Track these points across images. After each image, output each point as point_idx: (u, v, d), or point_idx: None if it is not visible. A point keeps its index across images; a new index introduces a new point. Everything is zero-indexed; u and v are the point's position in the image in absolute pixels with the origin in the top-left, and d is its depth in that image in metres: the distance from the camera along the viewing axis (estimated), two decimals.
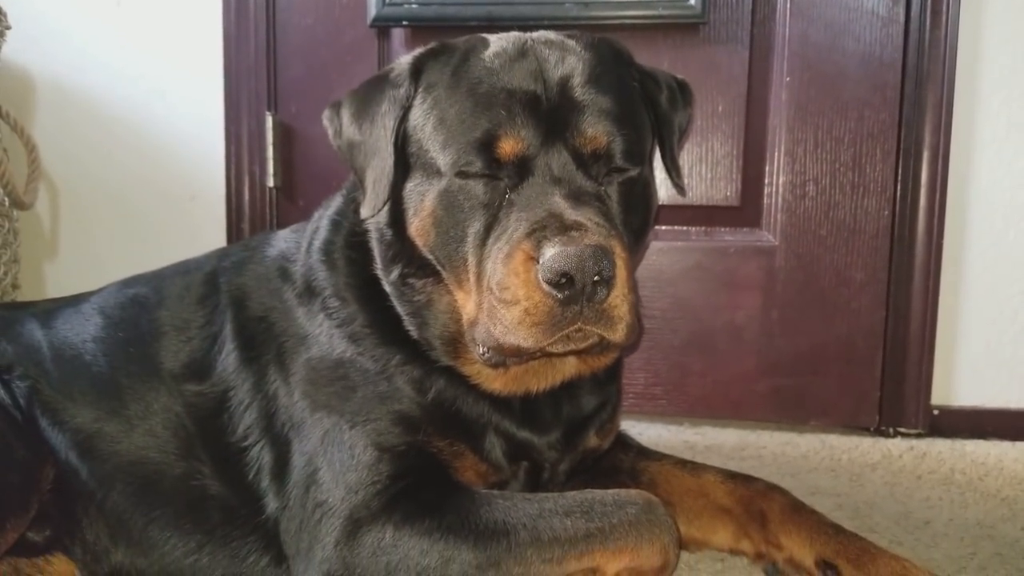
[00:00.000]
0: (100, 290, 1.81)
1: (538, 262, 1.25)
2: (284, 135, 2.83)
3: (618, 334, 1.30)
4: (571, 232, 1.26)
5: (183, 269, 1.77)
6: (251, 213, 2.85)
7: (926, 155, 2.50)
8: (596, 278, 1.24)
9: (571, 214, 1.30)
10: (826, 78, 2.53)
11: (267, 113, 2.80)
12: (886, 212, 2.55)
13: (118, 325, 1.69)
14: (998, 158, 2.53)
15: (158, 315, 1.67)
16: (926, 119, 2.49)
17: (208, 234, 2.84)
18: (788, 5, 2.52)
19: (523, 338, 1.28)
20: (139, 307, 1.70)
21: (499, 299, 1.30)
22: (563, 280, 1.24)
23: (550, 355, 1.42)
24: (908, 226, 2.54)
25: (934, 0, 2.44)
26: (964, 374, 2.60)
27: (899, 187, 2.54)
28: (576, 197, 1.34)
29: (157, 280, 1.76)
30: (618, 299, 1.29)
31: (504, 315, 1.29)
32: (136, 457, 1.55)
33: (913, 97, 2.50)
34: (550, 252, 1.24)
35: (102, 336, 1.67)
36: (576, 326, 1.28)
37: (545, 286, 1.25)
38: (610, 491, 1.42)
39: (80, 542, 1.53)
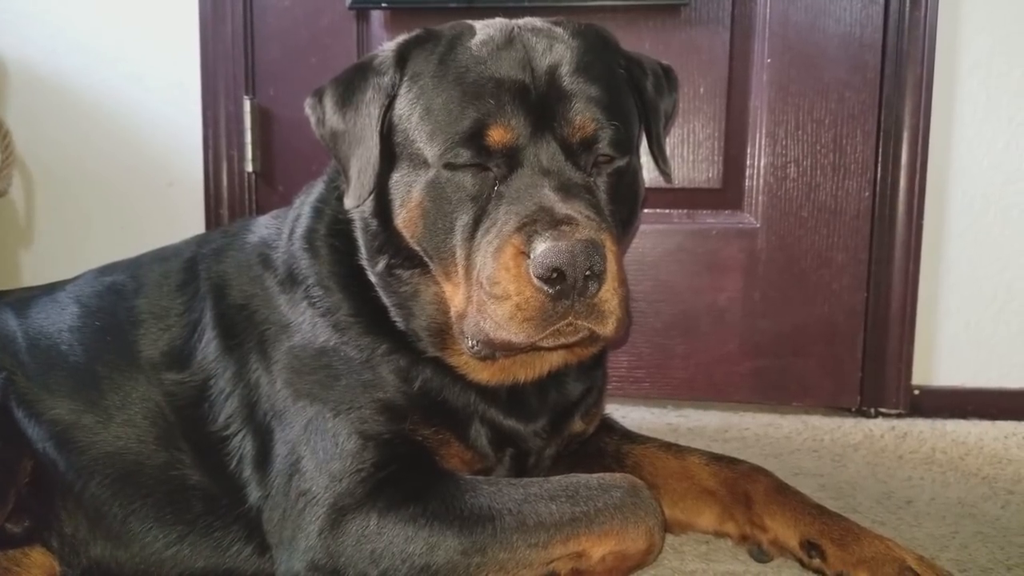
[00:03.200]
0: (76, 278, 1.79)
1: (529, 257, 1.25)
2: (262, 119, 2.79)
3: (608, 328, 1.31)
4: (562, 226, 1.25)
5: (161, 256, 1.75)
6: (230, 199, 2.81)
7: (906, 136, 2.50)
8: (587, 273, 1.24)
9: (561, 207, 1.29)
10: (807, 59, 2.53)
11: (245, 97, 2.76)
12: (867, 193, 2.56)
13: (95, 314, 1.66)
14: (977, 138, 2.54)
15: (136, 303, 1.64)
16: (906, 100, 2.49)
17: (186, 220, 2.81)
18: None
19: (514, 333, 1.28)
20: (116, 295, 1.68)
21: (489, 294, 1.29)
22: (554, 275, 1.23)
23: (540, 349, 1.41)
24: (888, 207, 2.54)
25: None
26: (944, 354, 2.62)
27: (879, 168, 2.54)
28: (566, 189, 1.33)
29: (135, 268, 1.73)
30: (609, 293, 1.28)
31: (494, 310, 1.28)
32: (115, 448, 1.53)
33: (893, 78, 2.50)
34: (541, 247, 1.23)
35: (79, 325, 1.65)
36: (567, 321, 1.28)
37: (536, 281, 1.24)
38: (595, 475, 1.42)
39: (58, 534, 1.51)
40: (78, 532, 1.51)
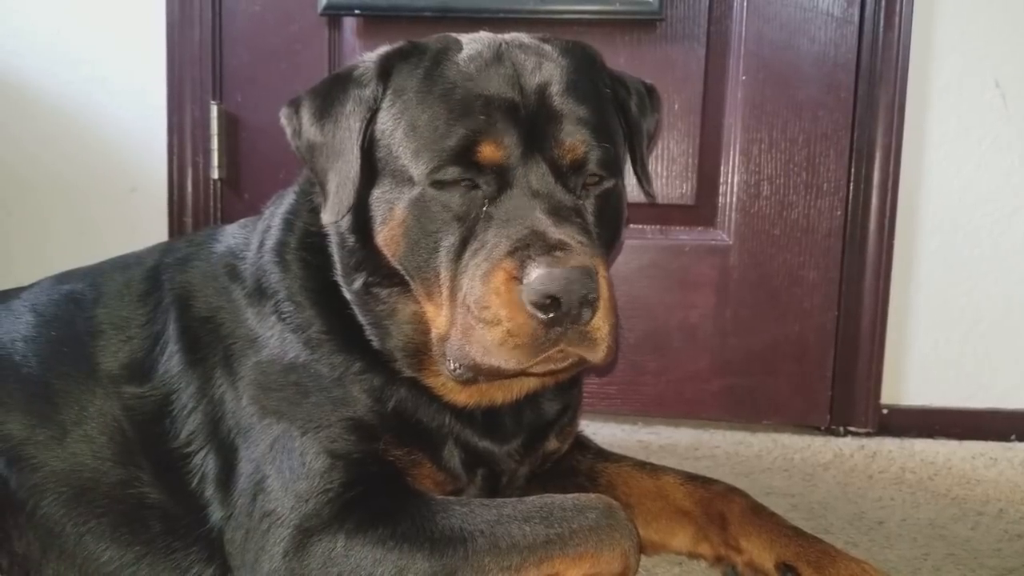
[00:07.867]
0: (32, 286, 1.72)
1: (522, 282, 1.22)
2: (229, 125, 2.73)
3: (599, 355, 1.29)
4: (556, 252, 1.23)
5: (123, 264, 1.69)
6: (194, 206, 2.75)
7: (878, 156, 2.52)
8: (581, 300, 1.22)
9: (554, 232, 1.27)
10: (781, 78, 2.54)
11: (212, 102, 2.71)
12: (838, 212, 2.57)
13: (51, 323, 1.60)
14: (948, 159, 2.57)
15: (95, 313, 1.58)
16: (879, 120, 2.51)
17: (149, 228, 2.73)
18: (744, 3, 2.53)
19: (503, 359, 1.25)
20: (74, 304, 1.62)
21: (477, 318, 1.26)
22: (549, 302, 1.21)
23: (527, 375, 1.38)
24: (860, 226, 2.56)
25: (888, 1, 2.47)
26: (913, 373, 2.64)
27: (852, 187, 2.56)
28: (557, 212, 1.30)
29: (94, 276, 1.67)
30: (601, 320, 1.27)
31: (483, 335, 1.25)
32: (69, 464, 1.47)
33: (866, 98, 2.52)
34: (536, 273, 1.21)
35: (33, 335, 1.58)
36: (558, 348, 1.26)
37: (530, 307, 1.22)
38: (570, 496, 1.39)
39: (9, 554, 1.44)
40: (30, 552, 1.45)
